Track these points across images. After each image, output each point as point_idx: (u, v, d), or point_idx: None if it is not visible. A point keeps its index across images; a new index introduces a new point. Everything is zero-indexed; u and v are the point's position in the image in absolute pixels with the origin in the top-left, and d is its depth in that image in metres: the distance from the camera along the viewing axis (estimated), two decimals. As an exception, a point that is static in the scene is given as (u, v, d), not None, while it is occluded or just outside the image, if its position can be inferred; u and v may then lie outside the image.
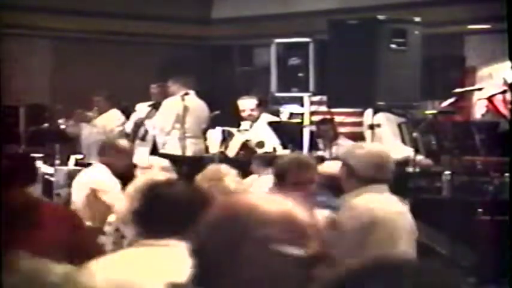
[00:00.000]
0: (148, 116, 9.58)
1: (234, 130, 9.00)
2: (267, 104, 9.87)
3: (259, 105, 9.13)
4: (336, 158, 8.71)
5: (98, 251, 4.11)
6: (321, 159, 8.47)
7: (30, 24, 11.70)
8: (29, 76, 11.82)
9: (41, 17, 11.70)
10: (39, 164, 7.98)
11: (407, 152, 7.72)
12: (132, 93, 10.25)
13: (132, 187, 4.54)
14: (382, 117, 7.63)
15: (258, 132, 8.85)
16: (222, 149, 8.80)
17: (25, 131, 9.84)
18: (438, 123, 8.16)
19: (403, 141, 7.89)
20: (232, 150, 8.76)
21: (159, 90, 9.94)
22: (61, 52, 12.52)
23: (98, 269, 2.87)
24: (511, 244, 1.98)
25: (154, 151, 9.49)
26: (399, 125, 7.88)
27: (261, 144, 8.63)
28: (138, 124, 9.78)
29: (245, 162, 8.09)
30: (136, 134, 9.78)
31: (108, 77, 11.71)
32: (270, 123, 8.80)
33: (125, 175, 5.67)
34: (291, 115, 9.94)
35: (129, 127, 9.88)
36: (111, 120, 10.27)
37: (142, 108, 9.79)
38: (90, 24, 12.07)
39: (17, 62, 10.93)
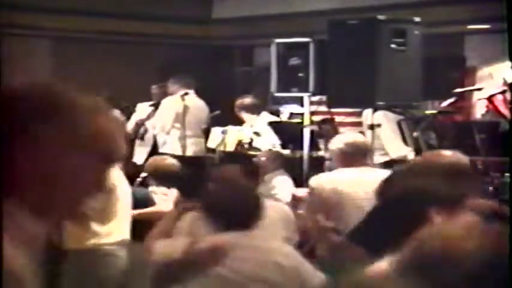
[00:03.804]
0: (150, 116, 9.59)
1: (232, 128, 9.00)
2: (266, 103, 9.88)
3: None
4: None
5: None
6: (321, 159, 8.50)
7: (30, 24, 11.69)
8: (29, 76, 11.79)
9: (41, 17, 11.69)
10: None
11: (405, 151, 7.72)
12: (132, 93, 10.25)
13: None
14: (380, 116, 7.63)
15: (257, 130, 8.86)
16: (221, 148, 8.81)
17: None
18: (438, 123, 8.17)
19: (404, 139, 7.89)
20: (230, 145, 8.77)
21: (160, 91, 9.94)
22: (61, 52, 12.51)
23: None
24: (511, 246, 1.97)
25: (153, 151, 9.51)
26: (399, 123, 7.88)
27: (257, 134, 8.67)
28: (139, 124, 9.78)
29: (245, 156, 8.12)
30: (137, 134, 9.78)
31: (108, 77, 11.70)
32: (270, 123, 8.81)
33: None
34: (291, 115, 9.95)
35: (129, 127, 9.88)
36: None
37: (143, 108, 9.79)
38: (90, 24, 12.06)
39: (17, 62, 10.92)
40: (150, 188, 6.52)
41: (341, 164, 5.44)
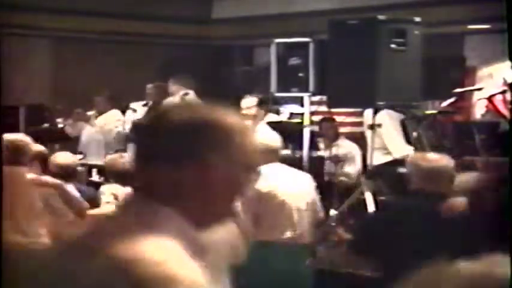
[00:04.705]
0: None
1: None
2: (268, 104, 9.86)
3: (259, 104, 9.10)
4: (336, 158, 8.75)
5: None
6: (321, 159, 8.50)
7: (30, 24, 11.70)
8: (29, 76, 11.82)
9: (41, 17, 11.70)
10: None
11: (408, 150, 7.71)
12: (132, 93, 10.25)
13: None
14: (384, 114, 7.62)
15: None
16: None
17: (25, 131, 9.82)
18: (438, 123, 8.16)
19: (408, 138, 7.88)
20: None
21: (155, 90, 9.92)
22: (61, 52, 12.52)
23: None
24: (511, 245, 1.98)
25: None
26: (402, 122, 7.88)
27: None
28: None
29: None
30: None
31: (108, 77, 11.71)
32: (270, 123, 8.80)
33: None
34: (291, 115, 9.94)
35: (127, 127, 9.86)
36: (110, 121, 10.26)
37: (137, 108, 9.77)
38: (90, 24, 12.07)
39: (17, 62, 10.92)
40: (102, 188, 6.69)
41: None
